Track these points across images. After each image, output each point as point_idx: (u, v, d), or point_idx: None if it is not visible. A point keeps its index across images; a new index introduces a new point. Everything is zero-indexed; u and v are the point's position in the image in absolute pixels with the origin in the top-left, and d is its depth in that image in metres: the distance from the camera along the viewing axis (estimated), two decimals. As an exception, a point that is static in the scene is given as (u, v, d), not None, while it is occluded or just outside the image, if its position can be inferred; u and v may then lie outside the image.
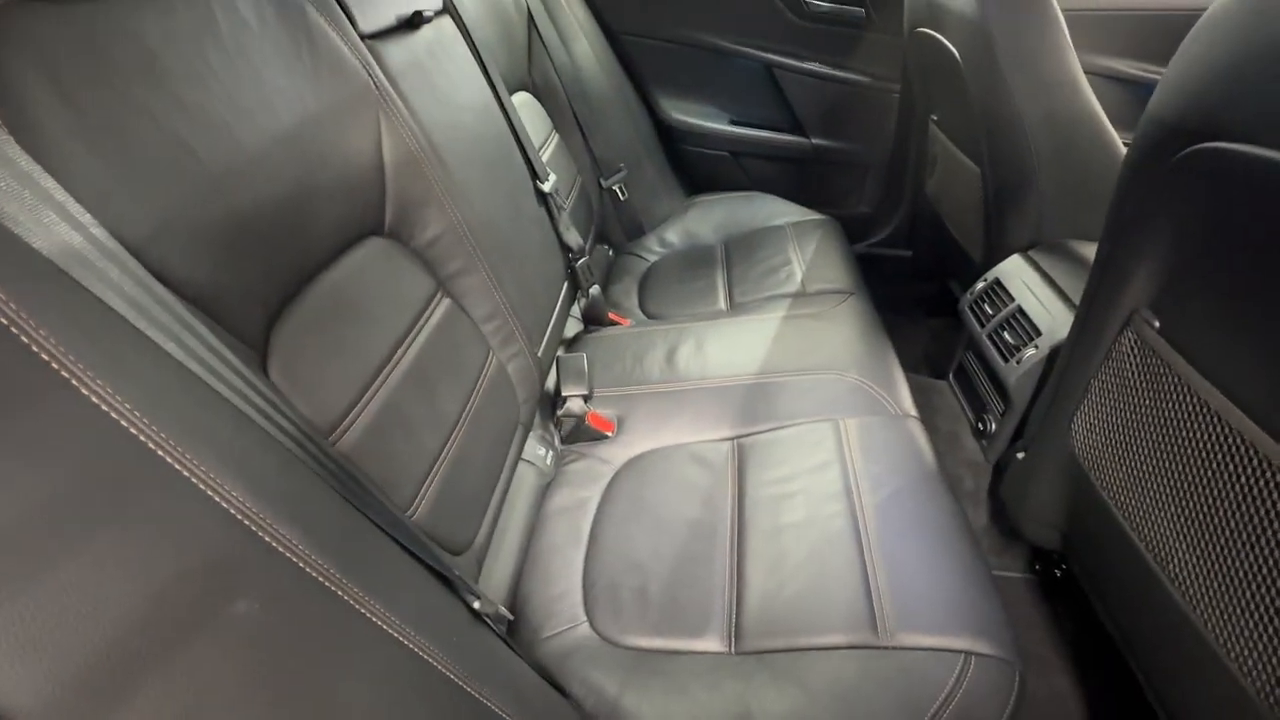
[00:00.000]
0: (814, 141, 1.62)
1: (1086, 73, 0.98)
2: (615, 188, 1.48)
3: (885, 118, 1.55)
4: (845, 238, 1.41)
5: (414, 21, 0.83)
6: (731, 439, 0.89)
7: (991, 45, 0.94)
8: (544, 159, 1.17)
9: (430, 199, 0.76)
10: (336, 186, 0.63)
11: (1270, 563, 0.50)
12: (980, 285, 1.11)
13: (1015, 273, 1.05)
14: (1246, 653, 0.52)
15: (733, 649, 0.66)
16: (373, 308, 0.65)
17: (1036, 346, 0.92)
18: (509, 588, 0.77)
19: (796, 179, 1.66)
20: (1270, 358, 0.49)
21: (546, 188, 1.10)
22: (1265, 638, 0.51)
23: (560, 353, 1.09)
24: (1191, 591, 0.59)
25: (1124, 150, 0.82)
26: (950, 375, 1.24)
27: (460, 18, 0.98)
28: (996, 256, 1.11)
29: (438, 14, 0.92)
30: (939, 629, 0.63)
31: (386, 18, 0.78)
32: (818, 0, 1.49)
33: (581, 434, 0.95)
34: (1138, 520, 0.66)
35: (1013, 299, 1.01)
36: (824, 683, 0.60)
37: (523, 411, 0.89)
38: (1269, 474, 0.49)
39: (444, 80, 0.88)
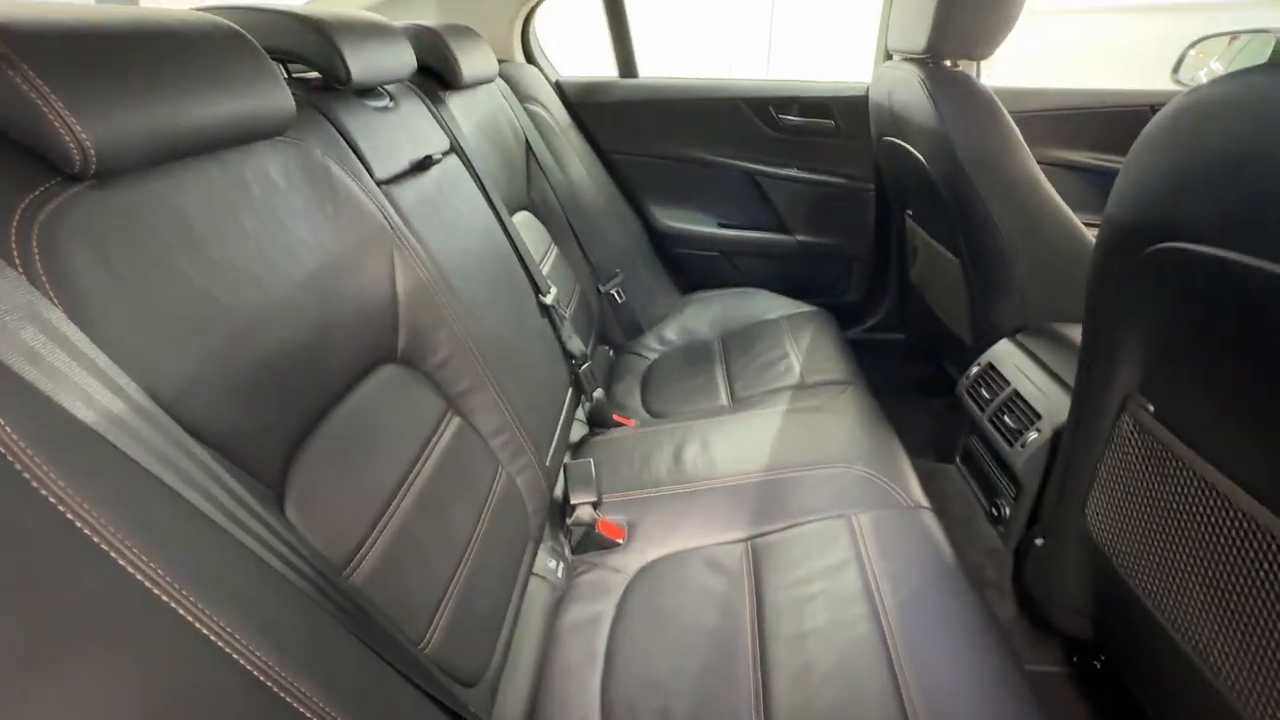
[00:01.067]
0: (799, 238, 1.71)
1: (1046, 164, 1.05)
2: (613, 292, 1.54)
3: (864, 213, 1.64)
4: (838, 326, 1.45)
5: (424, 165, 0.91)
6: (745, 540, 0.88)
7: (954, 151, 1.02)
8: (545, 271, 1.24)
9: (441, 323, 0.79)
10: (353, 321, 0.66)
11: None
12: (975, 370, 1.13)
13: (1007, 357, 1.07)
14: None
15: None
16: (386, 435, 0.67)
17: (1039, 430, 0.94)
18: (525, 715, 0.73)
19: (786, 273, 1.74)
20: (1263, 440, 0.51)
21: (549, 300, 1.15)
22: None
23: (567, 459, 1.09)
24: (1230, 679, 0.56)
25: (1091, 237, 0.87)
26: (957, 459, 1.24)
27: (465, 154, 1.07)
28: (986, 339, 1.14)
29: (445, 154, 1.01)
30: None
31: (400, 164, 0.86)
32: (789, 116, 1.63)
33: (592, 543, 0.94)
34: (1166, 606, 0.64)
35: (1008, 383, 1.03)
36: None
37: (533, 524, 0.88)
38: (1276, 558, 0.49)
39: (451, 211, 0.95)
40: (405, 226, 0.80)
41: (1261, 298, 0.46)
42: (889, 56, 1.40)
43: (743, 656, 0.73)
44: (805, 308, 1.54)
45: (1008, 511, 1.01)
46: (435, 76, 1.14)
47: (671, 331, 1.58)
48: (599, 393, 1.24)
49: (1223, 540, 0.56)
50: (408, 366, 0.76)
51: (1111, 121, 1.41)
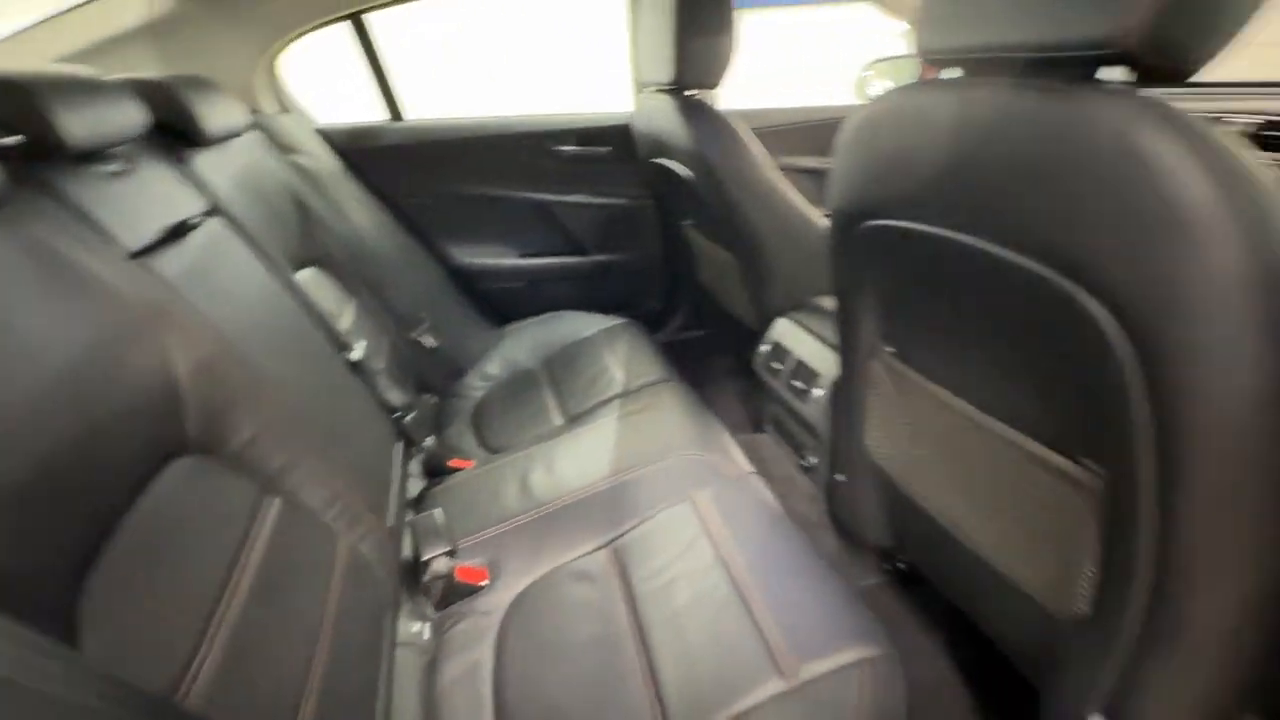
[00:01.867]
0: (596, 259, 1.82)
1: (786, 170, 1.27)
2: (421, 338, 1.49)
3: (650, 228, 1.80)
4: (648, 333, 1.57)
5: (181, 230, 0.81)
6: (606, 545, 0.92)
7: (710, 167, 1.18)
8: (346, 327, 1.16)
9: (237, 401, 0.72)
10: (126, 417, 0.58)
11: (1014, 504, 0.66)
12: (764, 349, 1.31)
13: (786, 333, 1.26)
14: (1027, 574, 0.68)
15: None
16: (194, 534, 0.59)
17: (820, 386, 1.12)
18: None
19: (591, 293, 1.83)
20: (956, 356, 0.68)
21: (356, 356, 1.08)
22: (1034, 559, 0.66)
23: (410, 515, 1.04)
24: (980, 542, 0.74)
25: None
26: (769, 427, 1.41)
27: (228, 214, 0.98)
28: (768, 321, 1.33)
29: (205, 215, 0.91)
30: (828, 648, 0.70)
31: (151, 232, 0.76)
32: (568, 146, 1.73)
33: (455, 593, 0.91)
34: (933, 501, 0.82)
35: (790, 353, 1.22)
36: None
37: (386, 591, 0.83)
38: (992, 441, 0.66)
39: (225, 277, 0.86)
40: (172, 300, 0.71)
41: (936, 254, 0.63)
42: (643, 88, 1.56)
43: (627, 653, 0.76)
44: (615, 321, 1.64)
45: (814, 460, 1.18)
46: (176, 133, 1.02)
47: (493, 367, 1.57)
48: (430, 441, 1.20)
49: (955, 438, 0.73)
50: (205, 455, 0.68)
51: (827, 131, 1.73)
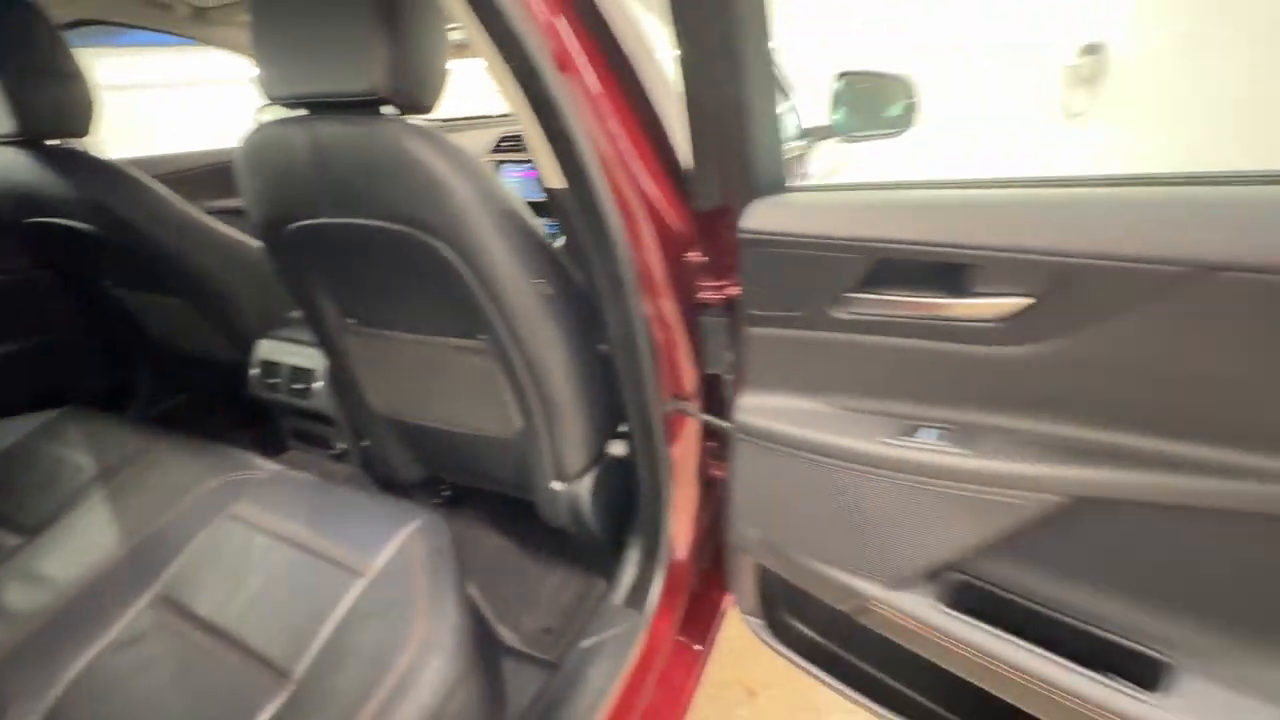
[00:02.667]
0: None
1: (213, 213, 1.33)
2: None
3: (57, 299, 1.53)
4: (105, 411, 1.39)
5: None
6: (149, 598, 0.89)
7: (126, 220, 1.15)
8: None
9: None
10: None
11: (465, 385, 1.02)
12: (255, 372, 1.38)
13: (271, 350, 1.37)
14: (489, 425, 1.06)
15: None
16: None
17: (319, 379, 1.28)
18: None
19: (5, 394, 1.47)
20: (392, 303, 0.98)
21: None
22: (488, 413, 1.04)
23: None
24: (461, 422, 1.09)
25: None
26: (290, 442, 1.49)
27: None
28: (248, 346, 1.39)
29: None
30: (387, 539, 0.92)
31: None
32: None
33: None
34: (428, 417, 1.12)
35: (282, 365, 1.33)
36: None
37: None
38: (434, 351, 0.99)
39: None
40: None
41: (347, 236, 0.89)
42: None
43: (228, 661, 0.79)
44: (51, 414, 1.37)
45: (342, 445, 1.35)
46: None
47: None
48: None
49: (417, 362, 1.03)
50: None
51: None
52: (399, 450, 1.23)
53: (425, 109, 0.83)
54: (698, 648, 1.09)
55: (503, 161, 1.80)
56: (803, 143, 1.59)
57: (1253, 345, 0.42)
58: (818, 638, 0.85)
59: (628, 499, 1.02)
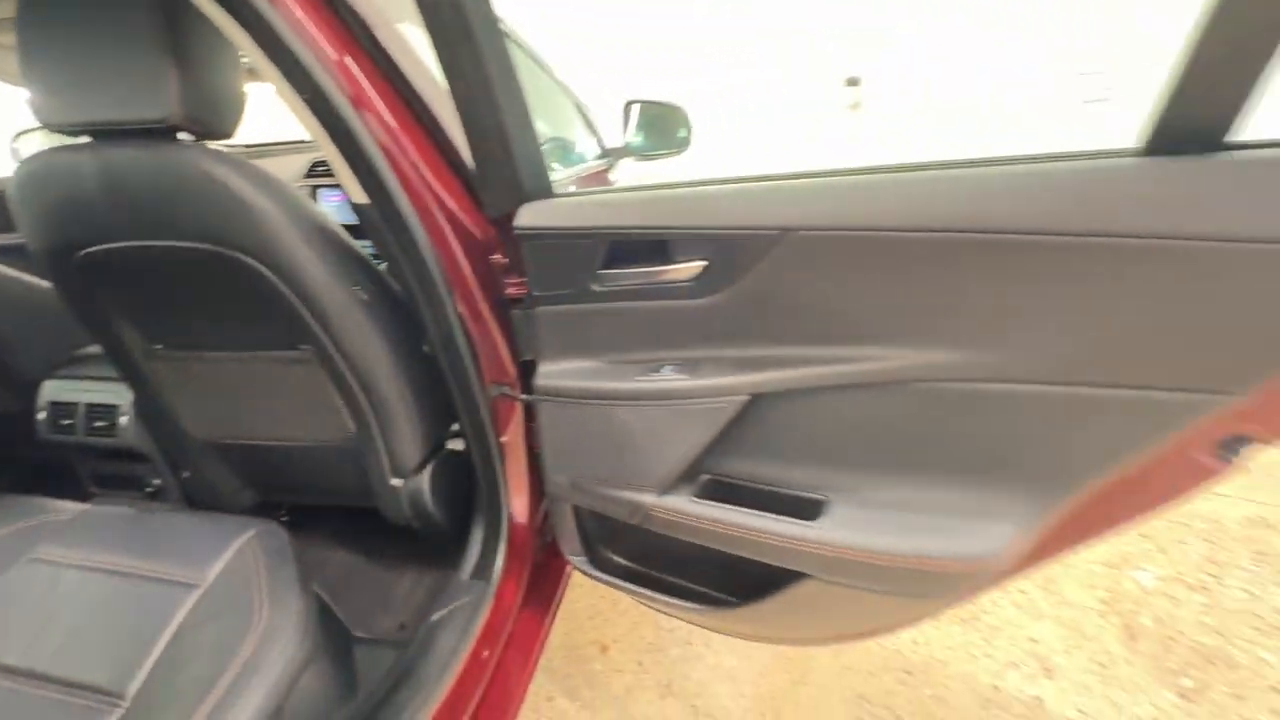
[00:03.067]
0: None
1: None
2: None
3: None
4: None
5: None
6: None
7: None
8: None
9: None
10: None
11: (291, 396, 1.05)
12: (42, 416, 1.27)
13: (59, 391, 1.27)
14: (324, 433, 1.10)
15: None
16: None
17: (124, 414, 1.22)
18: None
19: None
20: (205, 323, 0.99)
21: None
22: (321, 421, 1.08)
23: None
24: (293, 436, 1.11)
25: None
26: (92, 489, 1.38)
27: None
28: (25, 392, 1.28)
29: None
30: (223, 548, 0.93)
31: None
32: None
33: None
34: (252, 436, 1.13)
35: (76, 404, 1.25)
36: None
37: None
38: (258, 366, 1.02)
39: None
40: None
41: (146, 258, 0.90)
42: None
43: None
44: None
45: (157, 481, 1.29)
46: None
47: None
48: None
49: (238, 382, 1.05)
50: None
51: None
52: (226, 477, 1.21)
53: (224, 134, 0.88)
54: (544, 611, 1.21)
55: (317, 186, 1.81)
56: (605, 161, 1.80)
57: (821, 280, 0.66)
58: (628, 562, 1.01)
59: (468, 486, 1.12)
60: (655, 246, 0.73)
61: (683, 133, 1.72)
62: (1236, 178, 0.51)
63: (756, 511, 0.75)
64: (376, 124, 0.79)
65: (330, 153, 0.80)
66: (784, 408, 0.73)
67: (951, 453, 0.67)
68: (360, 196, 0.82)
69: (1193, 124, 0.51)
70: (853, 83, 4.88)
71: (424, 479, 1.11)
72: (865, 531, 0.70)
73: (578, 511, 0.99)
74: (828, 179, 0.64)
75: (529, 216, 0.78)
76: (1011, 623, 1.47)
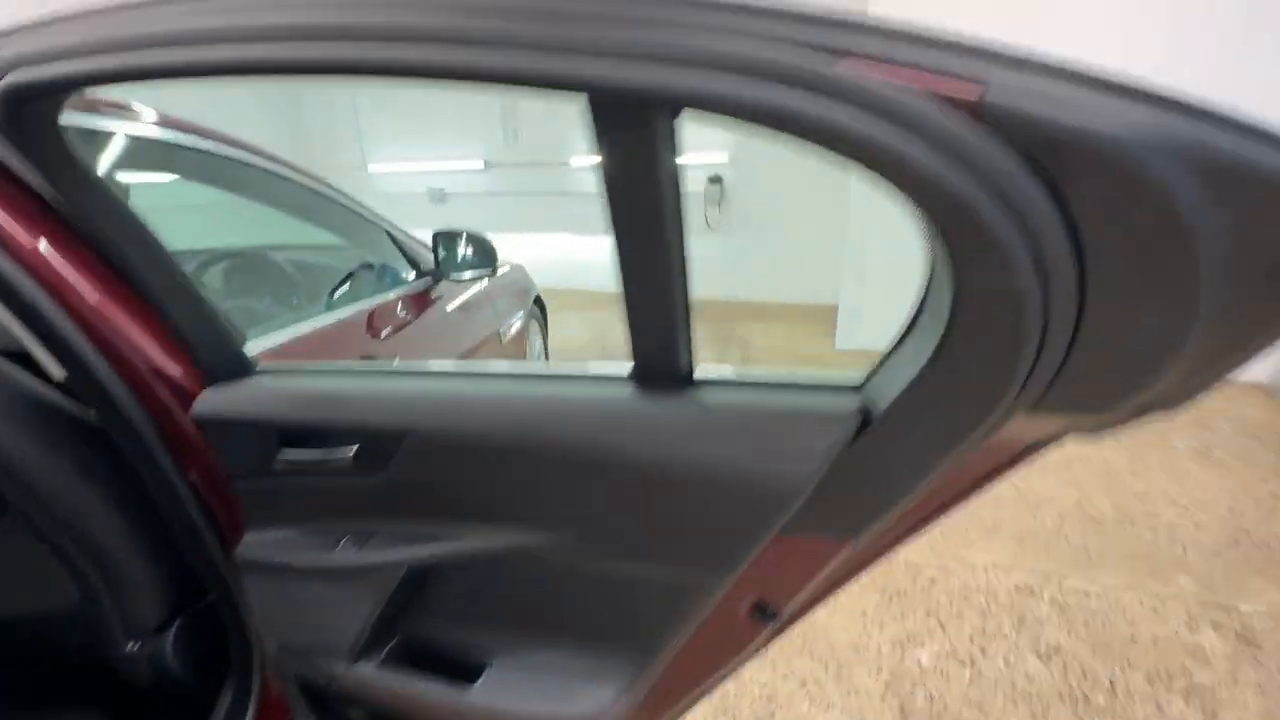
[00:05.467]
0: None
1: None
2: None
3: None
4: None
5: None
6: None
7: None
8: None
9: None
10: None
11: None
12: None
13: None
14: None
15: None
16: None
17: None
18: None
19: None
20: None
21: None
22: None
23: None
24: None
25: None
26: None
27: None
28: None
29: None
30: None
31: None
32: None
33: None
34: None
35: None
36: None
37: None
38: None
39: None
40: None
41: None
42: None
43: None
44: None
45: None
46: None
47: None
48: None
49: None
50: None
51: None
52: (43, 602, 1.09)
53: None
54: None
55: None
56: (424, 282, 1.87)
57: (438, 470, 0.76)
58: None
59: (219, 645, 1.07)
60: (319, 433, 0.79)
61: (490, 255, 1.86)
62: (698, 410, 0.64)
63: (420, 677, 0.79)
64: (72, 296, 0.80)
65: (20, 333, 0.80)
66: (444, 576, 0.79)
67: (568, 619, 0.76)
68: (57, 372, 0.83)
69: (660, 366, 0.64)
70: (715, 180, 5.36)
71: (167, 640, 1.05)
72: (506, 694, 0.77)
73: (297, 677, 0.98)
74: (442, 380, 0.74)
75: (208, 403, 0.81)
76: (804, 717, 1.56)
